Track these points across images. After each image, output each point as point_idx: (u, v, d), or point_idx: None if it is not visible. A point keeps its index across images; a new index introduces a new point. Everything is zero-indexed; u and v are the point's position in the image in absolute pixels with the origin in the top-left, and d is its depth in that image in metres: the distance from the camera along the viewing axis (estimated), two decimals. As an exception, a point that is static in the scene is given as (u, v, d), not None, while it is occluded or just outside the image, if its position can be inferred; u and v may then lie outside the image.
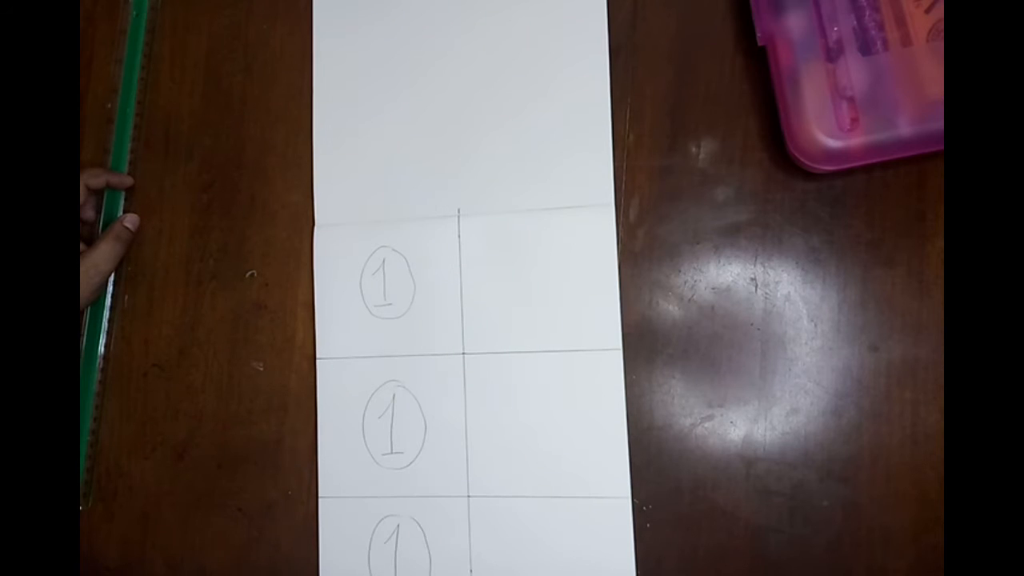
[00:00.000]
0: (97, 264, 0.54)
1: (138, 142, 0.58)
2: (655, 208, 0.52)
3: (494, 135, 0.53)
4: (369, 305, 0.54)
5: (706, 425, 0.50)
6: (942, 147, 0.44)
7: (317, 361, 0.54)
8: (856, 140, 0.45)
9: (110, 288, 0.57)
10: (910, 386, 0.48)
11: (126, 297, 0.57)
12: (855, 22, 0.46)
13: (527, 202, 0.52)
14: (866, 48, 0.46)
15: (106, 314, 0.57)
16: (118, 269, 0.56)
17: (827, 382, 0.49)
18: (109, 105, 0.58)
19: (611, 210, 0.51)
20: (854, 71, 0.46)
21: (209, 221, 0.57)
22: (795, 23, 0.47)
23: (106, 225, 0.56)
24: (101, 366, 0.56)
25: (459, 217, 0.53)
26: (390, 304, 0.54)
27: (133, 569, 0.56)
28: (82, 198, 0.55)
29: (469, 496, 0.52)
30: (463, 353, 0.52)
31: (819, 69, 0.46)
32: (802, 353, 0.49)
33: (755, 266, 0.50)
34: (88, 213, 0.57)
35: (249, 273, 0.56)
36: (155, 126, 0.58)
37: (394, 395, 0.53)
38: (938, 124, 0.44)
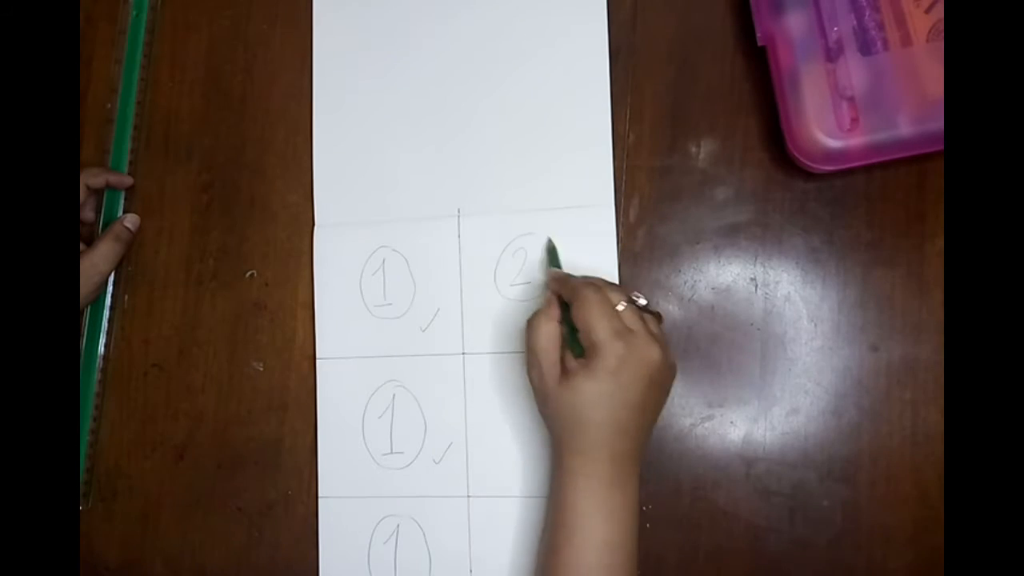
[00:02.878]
0: (96, 264, 0.54)
1: (138, 142, 0.58)
2: (655, 208, 0.52)
3: (494, 135, 0.53)
4: (369, 305, 0.54)
5: (706, 425, 0.50)
6: (942, 147, 0.44)
7: (317, 361, 0.54)
8: (856, 140, 0.45)
9: (110, 288, 0.57)
10: (910, 386, 0.48)
11: (126, 297, 0.57)
12: (855, 22, 0.46)
13: (527, 202, 0.52)
14: (866, 48, 0.46)
15: (106, 314, 0.57)
16: (118, 269, 0.56)
17: (827, 382, 0.49)
18: (109, 105, 0.58)
19: (611, 210, 0.51)
20: (854, 71, 0.46)
21: (209, 221, 0.57)
22: (795, 23, 0.47)
23: (106, 225, 0.56)
24: (101, 366, 0.56)
25: (459, 217, 0.53)
26: (390, 304, 0.54)
27: (133, 569, 0.56)
28: (82, 198, 0.55)
29: (469, 496, 0.52)
30: (463, 353, 0.52)
31: (819, 69, 0.46)
32: (802, 353, 0.49)
33: (755, 266, 0.50)
34: (88, 213, 0.56)
35: (249, 273, 0.56)
36: (155, 126, 0.58)
37: (394, 395, 0.53)
38: (938, 124, 0.44)
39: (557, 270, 0.49)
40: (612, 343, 0.40)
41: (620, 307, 0.42)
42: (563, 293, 0.45)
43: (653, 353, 0.41)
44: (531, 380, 0.45)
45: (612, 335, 0.41)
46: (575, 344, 0.43)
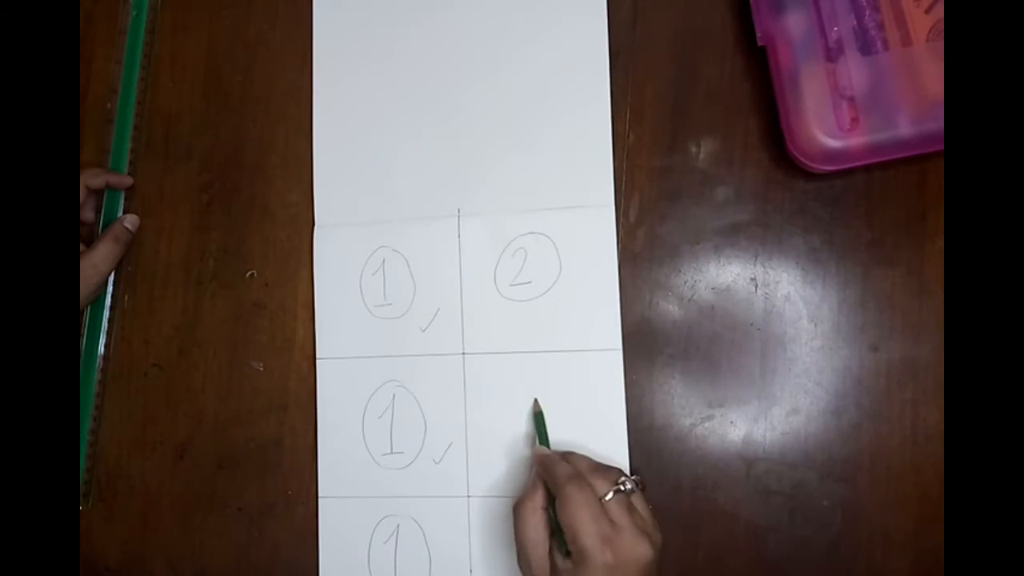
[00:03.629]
0: (96, 265, 0.54)
1: (138, 142, 0.58)
2: (655, 208, 0.52)
3: (494, 135, 0.53)
4: (369, 305, 0.54)
5: (706, 425, 0.50)
6: (942, 147, 0.44)
7: (317, 361, 0.54)
8: (856, 140, 0.45)
9: (110, 288, 0.57)
10: (910, 386, 0.48)
11: (126, 297, 0.57)
12: (855, 22, 0.46)
13: (527, 202, 0.52)
14: (866, 48, 0.46)
15: (106, 314, 0.57)
16: (118, 269, 0.56)
17: (827, 382, 0.49)
18: (109, 105, 0.58)
19: (611, 210, 0.51)
20: (854, 71, 0.46)
21: (209, 221, 0.57)
22: (795, 23, 0.47)
23: (106, 226, 0.56)
24: (101, 366, 0.56)
25: (459, 217, 0.53)
26: (390, 304, 0.54)
27: (133, 569, 0.56)
28: (82, 198, 0.55)
29: (469, 496, 0.52)
30: (463, 353, 0.52)
31: (819, 69, 0.46)
32: (802, 353, 0.49)
33: (755, 266, 0.50)
34: (88, 214, 0.56)
35: (249, 273, 0.56)
36: (155, 126, 0.58)
37: (394, 395, 0.53)
38: (938, 124, 0.44)
39: (542, 450, 0.47)
40: (600, 551, 0.38)
41: (608, 496, 0.40)
42: (547, 482, 0.43)
43: (641, 551, 0.39)
44: (520, 569, 0.43)
45: (599, 541, 0.39)
46: (562, 542, 0.41)
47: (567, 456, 0.45)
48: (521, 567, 0.43)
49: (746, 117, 0.51)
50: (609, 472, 0.43)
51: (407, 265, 0.54)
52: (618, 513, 0.40)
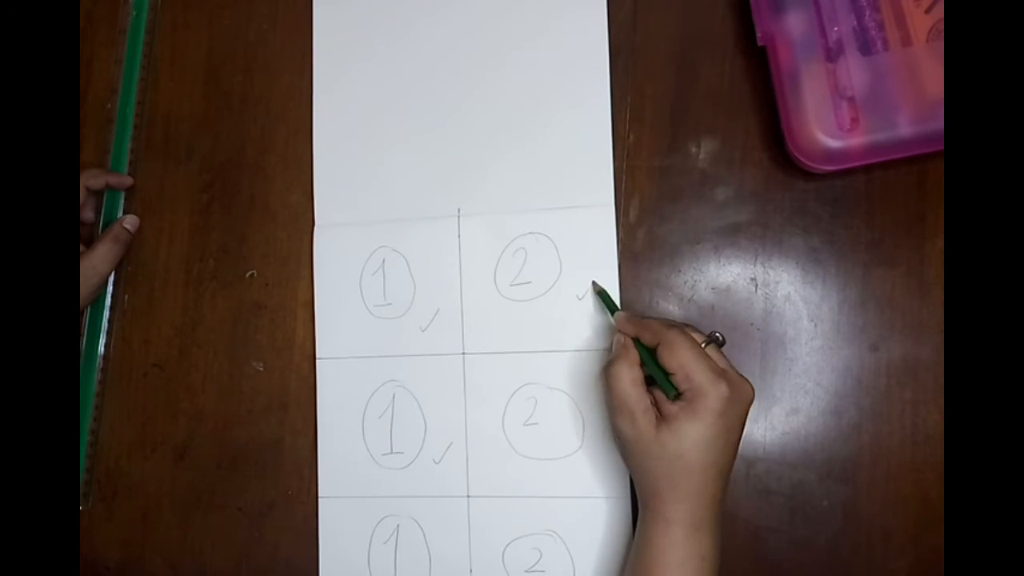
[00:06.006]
0: (95, 266, 0.54)
1: (138, 142, 0.58)
2: (655, 208, 0.52)
3: (494, 135, 0.53)
4: (369, 305, 0.54)
5: (706, 425, 0.50)
6: (942, 147, 0.44)
7: (317, 361, 0.54)
8: (856, 140, 0.45)
9: (110, 288, 0.57)
10: (910, 386, 0.48)
11: (126, 297, 0.57)
12: (855, 22, 0.46)
13: (527, 202, 0.52)
14: (866, 48, 0.46)
15: (106, 314, 0.57)
16: (118, 269, 0.56)
17: (827, 382, 0.49)
18: (109, 105, 0.58)
19: (611, 210, 0.51)
20: (854, 71, 0.46)
21: (209, 221, 0.57)
22: (795, 23, 0.47)
23: (106, 226, 0.56)
24: (101, 366, 0.56)
25: (459, 217, 0.53)
26: (390, 304, 0.54)
27: (133, 569, 0.56)
28: (82, 199, 0.55)
29: (469, 496, 0.52)
30: (463, 353, 0.52)
31: (819, 69, 0.46)
32: (802, 353, 0.49)
33: (755, 266, 0.50)
34: (88, 214, 0.56)
35: (249, 273, 0.56)
36: (155, 126, 0.58)
37: (394, 395, 0.53)
38: (938, 124, 0.44)
39: (626, 314, 0.47)
40: (716, 384, 0.40)
41: (703, 345, 0.42)
42: (643, 337, 0.44)
43: (748, 390, 0.42)
44: (621, 430, 0.43)
45: (714, 376, 0.40)
46: (669, 387, 0.42)
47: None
48: (620, 427, 0.43)
49: (746, 117, 0.51)
50: (696, 327, 0.45)
51: (407, 265, 0.54)
52: (717, 356, 0.43)
